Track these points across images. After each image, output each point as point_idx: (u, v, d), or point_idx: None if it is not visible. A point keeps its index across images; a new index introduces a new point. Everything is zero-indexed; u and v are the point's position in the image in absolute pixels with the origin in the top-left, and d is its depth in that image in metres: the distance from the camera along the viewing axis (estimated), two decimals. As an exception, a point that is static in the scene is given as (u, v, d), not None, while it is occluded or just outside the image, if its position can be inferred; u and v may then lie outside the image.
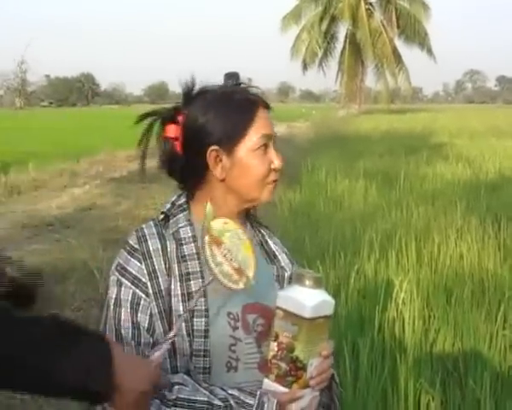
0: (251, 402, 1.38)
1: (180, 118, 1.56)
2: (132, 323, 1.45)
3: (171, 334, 1.39)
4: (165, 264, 1.49)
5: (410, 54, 79.24)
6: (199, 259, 1.49)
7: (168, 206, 1.58)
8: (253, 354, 1.52)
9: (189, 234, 1.53)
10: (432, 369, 4.00)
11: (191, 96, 1.57)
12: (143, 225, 1.55)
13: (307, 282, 1.41)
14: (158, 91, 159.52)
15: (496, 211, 8.31)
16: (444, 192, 10.40)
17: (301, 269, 1.53)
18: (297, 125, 35.63)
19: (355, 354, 4.16)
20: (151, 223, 1.56)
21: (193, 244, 1.52)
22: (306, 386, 1.40)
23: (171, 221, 1.56)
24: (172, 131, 1.56)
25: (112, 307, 1.47)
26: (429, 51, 57.98)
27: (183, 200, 1.59)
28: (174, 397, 1.36)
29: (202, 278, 1.48)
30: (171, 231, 1.53)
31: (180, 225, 1.54)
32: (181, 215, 1.56)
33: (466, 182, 11.84)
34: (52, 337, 1.19)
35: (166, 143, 1.57)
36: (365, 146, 20.09)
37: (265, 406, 1.38)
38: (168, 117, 1.58)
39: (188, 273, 1.49)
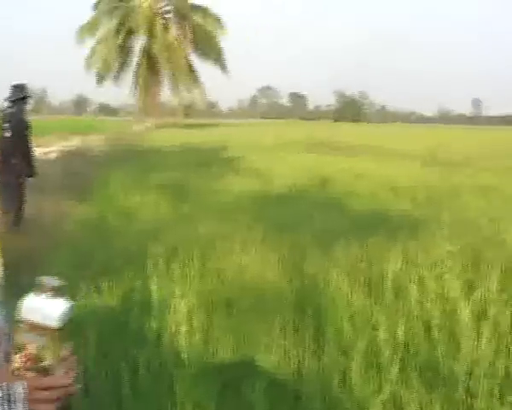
0: None
1: None
2: None
3: None
4: None
5: (206, 69, 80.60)
6: None
7: None
8: None
9: None
10: (210, 380, 4.05)
11: None
12: None
13: (49, 291, 1.39)
14: None
15: (279, 224, 8.64)
16: (232, 205, 10.65)
17: (43, 277, 1.50)
18: (91, 139, 34.98)
19: (134, 370, 4.13)
20: None
21: None
22: None
23: None
24: None
25: None
26: (223, 67, 59.54)
27: None
28: None
29: None
30: None
31: None
32: None
33: (254, 195, 12.20)
34: None
35: None
36: (159, 160, 20.17)
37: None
38: None
39: None
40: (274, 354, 4.42)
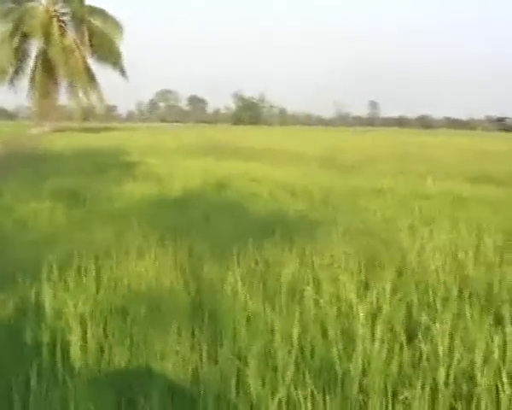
0: None
1: None
2: None
3: None
4: None
5: (104, 72, 79.44)
6: None
7: None
8: None
9: None
10: (105, 390, 3.96)
11: None
12: None
13: None
14: None
15: (176, 229, 8.57)
16: (129, 211, 10.50)
17: None
18: (-14, 143, 33.83)
19: (26, 380, 4.00)
20: None
21: None
22: None
23: None
24: None
25: None
26: (122, 71, 58.88)
27: None
28: None
29: None
30: None
31: None
32: None
33: (151, 200, 12.08)
34: None
35: None
36: (56, 165, 19.71)
37: None
38: None
39: None
40: (170, 360, 4.36)
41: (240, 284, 5.88)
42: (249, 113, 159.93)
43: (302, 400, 3.74)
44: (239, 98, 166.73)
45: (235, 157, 25.54)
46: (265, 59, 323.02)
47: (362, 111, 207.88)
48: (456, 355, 4.24)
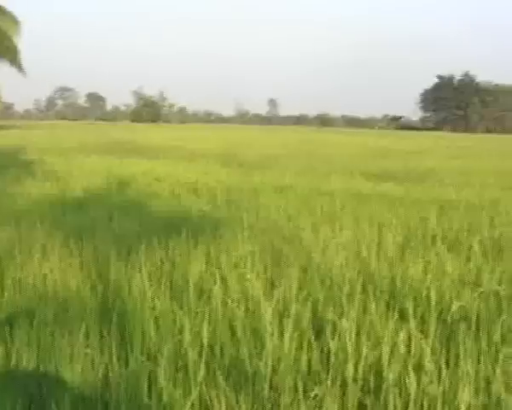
0: None
1: None
2: None
3: None
4: None
5: (1, 70, 76.74)
6: None
7: None
8: None
9: None
10: (13, 395, 3.85)
11: None
12: None
13: None
14: None
15: (80, 229, 8.40)
16: (31, 211, 10.22)
17: None
18: None
19: None
20: None
21: None
22: None
23: None
24: None
25: None
26: (20, 67, 57.07)
27: None
28: None
29: None
30: None
31: None
32: None
33: (53, 200, 11.80)
34: None
35: None
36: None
37: None
38: None
39: None
40: (79, 363, 4.27)
41: (147, 283, 5.82)
42: (149, 110, 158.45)
43: (215, 399, 3.74)
44: (138, 96, 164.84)
45: (136, 155, 25.29)
46: (165, 57, 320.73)
47: (261, 109, 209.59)
48: (364, 351, 4.34)
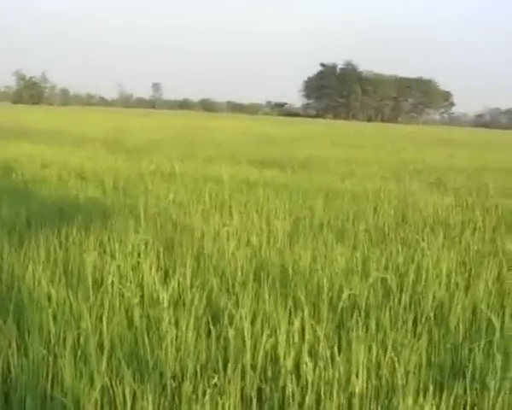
0: None
1: None
2: None
3: None
4: None
5: None
6: None
7: None
8: None
9: None
10: None
11: None
12: None
13: None
14: None
15: None
16: None
17: None
18: None
19: None
20: None
21: None
22: None
23: None
24: None
25: None
26: None
27: None
28: None
29: None
30: None
31: None
32: None
33: None
34: None
35: None
36: None
37: None
38: None
39: None
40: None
41: (42, 274, 5.72)
42: (31, 92, 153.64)
43: (118, 390, 3.76)
44: (20, 77, 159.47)
45: (19, 139, 24.50)
46: (49, 39, 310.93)
47: (145, 93, 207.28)
48: (260, 339, 4.46)
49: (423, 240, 7.98)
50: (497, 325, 4.92)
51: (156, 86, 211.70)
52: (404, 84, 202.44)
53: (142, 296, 5.51)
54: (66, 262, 6.41)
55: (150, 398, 3.66)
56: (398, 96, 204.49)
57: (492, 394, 4.02)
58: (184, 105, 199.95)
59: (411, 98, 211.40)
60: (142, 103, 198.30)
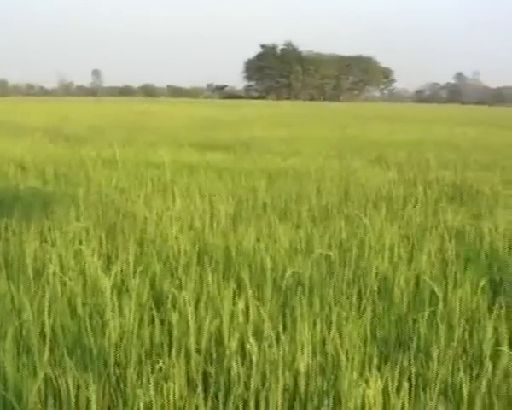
0: None
1: None
2: None
3: None
4: None
5: None
6: None
7: None
8: None
9: None
10: None
11: None
12: None
13: None
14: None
15: None
16: None
17: None
18: None
19: None
20: None
21: None
22: None
23: None
24: None
25: None
26: None
27: None
28: None
29: None
30: None
31: None
32: None
33: None
34: None
35: None
36: None
37: None
38: None
39: None
40: None
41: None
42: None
43: (62, 380, 3.70)
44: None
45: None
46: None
47: (85, 80, 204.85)
48: (205, 322, 4.44)
49: (366, 215, 8.05)
50: (440, 295, 4.99)
51: (96, 73, 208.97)
52: (344, 62, 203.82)
53: (84, 284, 5.44)
54: (5, 253, 6.28)
55: (93, 387, 3.60)
56: (339, 75, 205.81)
57: (436, 363, 4.06)
58: (125, 91, 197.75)
59: (352, 76, 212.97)
60: (82, 91, 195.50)
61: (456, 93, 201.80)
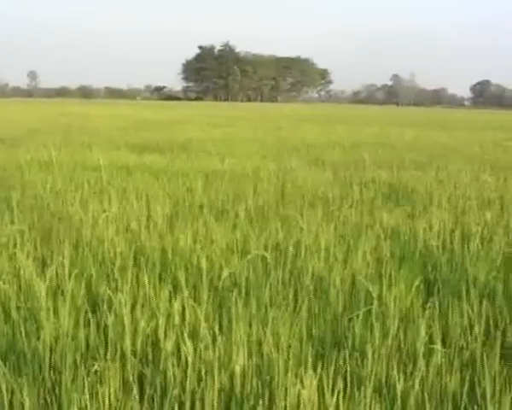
0: None
1: None
2: None
3: None
4: None
5: None
6: None
7: None
8: None
9: None
10: None
11: None
12: None
13: None
14: None
15: None
16: None
17: None
18: None
19: None
20: None
21: None
22: None
23: None
24: None
25: None
26: None
27: None
28: None
29: None
30: None
31: None
32: None
33: None
34: None
35: None
36: None
37: None
38: None
39: None
40: None
41: None
42: None
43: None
44: None
45: None
46: None
47: (21, 82, 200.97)
48: (140, 324, 4.44)
49: (302, 216, 8.13)
50: (375, 294, 5.08)
51: (32, 74, 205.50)
52: (282, 63, 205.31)
53: (19, 288, 5.38)
54: None
55: (27, 392, 3.57)
56: (277, 76, 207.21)
57: (370, 362, 4.14)
58: (62, 93, 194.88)
59: (290, 77, 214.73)
60: (18, 92, 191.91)
61: (393, 95, 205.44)
